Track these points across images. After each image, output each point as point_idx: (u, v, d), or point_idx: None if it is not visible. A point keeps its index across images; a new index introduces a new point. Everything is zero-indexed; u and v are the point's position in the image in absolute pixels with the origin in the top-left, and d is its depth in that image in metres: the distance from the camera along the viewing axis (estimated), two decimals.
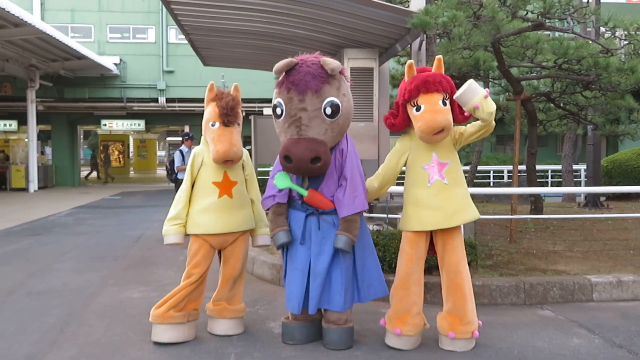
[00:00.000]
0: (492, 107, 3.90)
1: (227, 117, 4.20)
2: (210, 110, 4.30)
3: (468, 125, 4.12)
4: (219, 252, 4.54)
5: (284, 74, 3.98)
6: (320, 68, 3.91)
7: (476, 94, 3.87)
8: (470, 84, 3.91)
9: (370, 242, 4.33)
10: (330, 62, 3.91)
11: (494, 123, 4.01)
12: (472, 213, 4.17)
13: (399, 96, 4.18)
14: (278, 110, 3.98)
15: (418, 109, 4.00)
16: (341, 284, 4.04)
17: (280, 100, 3.97)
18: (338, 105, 3.92)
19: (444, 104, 3.99)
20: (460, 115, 4.13)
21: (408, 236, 4.19)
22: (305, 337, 4.24)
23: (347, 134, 4.18)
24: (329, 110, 3.90)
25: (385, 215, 6.37)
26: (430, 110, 3.93)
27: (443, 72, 4.13)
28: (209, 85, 4.38)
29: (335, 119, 3.95)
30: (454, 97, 3.99)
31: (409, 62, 4.20)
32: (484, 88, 4.15)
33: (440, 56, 4.20)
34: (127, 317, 4.97)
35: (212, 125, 4.26)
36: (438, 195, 4.07)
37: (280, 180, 4.08)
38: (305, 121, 3.89)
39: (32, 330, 4.60)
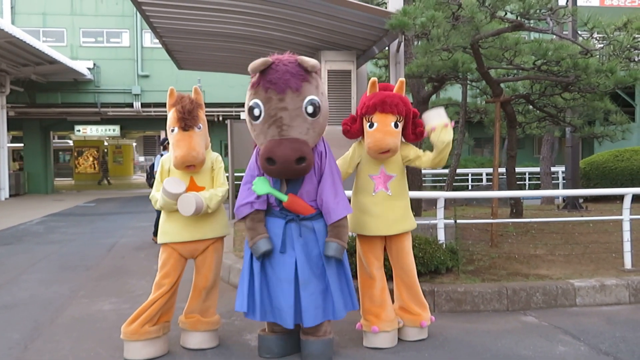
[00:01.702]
0: (447, 137, 4.17)
1: (184, 121, 4.01)
2: (170, 116, 4.14)
3: (427, 152, 4.35)
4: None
5: (258, 74, 3.79)
6: (298, 66, 3.79)
7: (438, 119, 4.21)
8: (439, 110, 4.31)
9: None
10: (309, 60, 3.82)
11: (445, 156, 4.28)
12: (410, 224, 4.43)
13: (359, 108, 4.36)
14: (256, 112, 3.78)
15: (371, 125, 4.19)
16: (337, 291, 3.93)
17: (257, 100, 3.77)
18: (319, 103, 3.83)
19: (396, 125, 4.18)
20: (412, 135, 4.36)
21: (361, 238, 4.44)
22: (283, 350, 4.05)
23: (322, 137, 4.06)
24: (310, 109, 3.80)
25: None
26: (382, 130, 4.13)
27: (404, 94, 4.31)
28: (169, 90, 4.21)
29: (316, 118, 3.85)
30: (423, 114, 4.31)
31: (372, 79, 4.35)
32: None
33: (403, 79, 4.40)
34: (96, 331, 4.75)
35: (172, 131, 4.09)
36: (380, 205, 4.31)
37: (260, 186, 3.89)
38: (287, 121, 3.73)
39: None
